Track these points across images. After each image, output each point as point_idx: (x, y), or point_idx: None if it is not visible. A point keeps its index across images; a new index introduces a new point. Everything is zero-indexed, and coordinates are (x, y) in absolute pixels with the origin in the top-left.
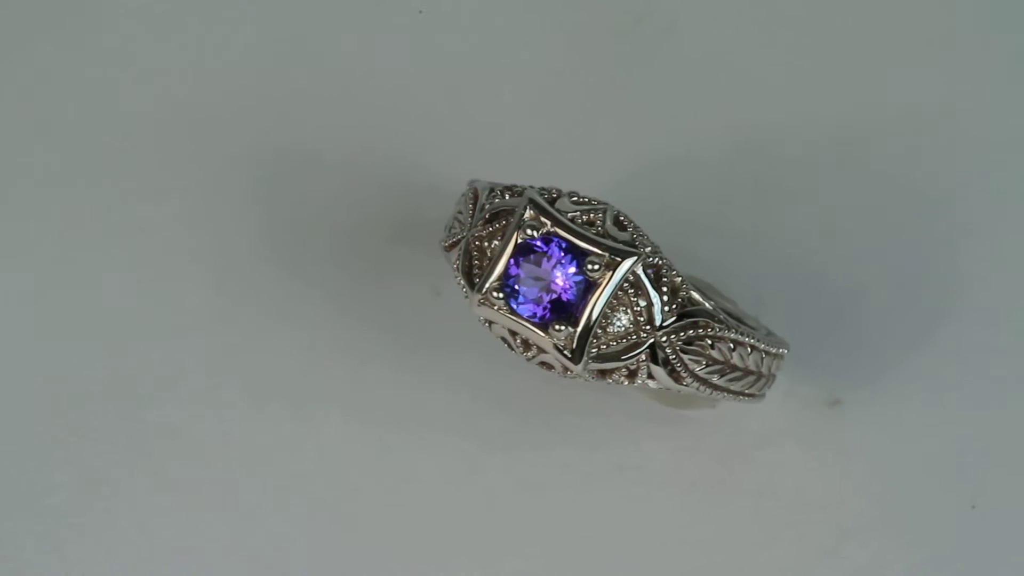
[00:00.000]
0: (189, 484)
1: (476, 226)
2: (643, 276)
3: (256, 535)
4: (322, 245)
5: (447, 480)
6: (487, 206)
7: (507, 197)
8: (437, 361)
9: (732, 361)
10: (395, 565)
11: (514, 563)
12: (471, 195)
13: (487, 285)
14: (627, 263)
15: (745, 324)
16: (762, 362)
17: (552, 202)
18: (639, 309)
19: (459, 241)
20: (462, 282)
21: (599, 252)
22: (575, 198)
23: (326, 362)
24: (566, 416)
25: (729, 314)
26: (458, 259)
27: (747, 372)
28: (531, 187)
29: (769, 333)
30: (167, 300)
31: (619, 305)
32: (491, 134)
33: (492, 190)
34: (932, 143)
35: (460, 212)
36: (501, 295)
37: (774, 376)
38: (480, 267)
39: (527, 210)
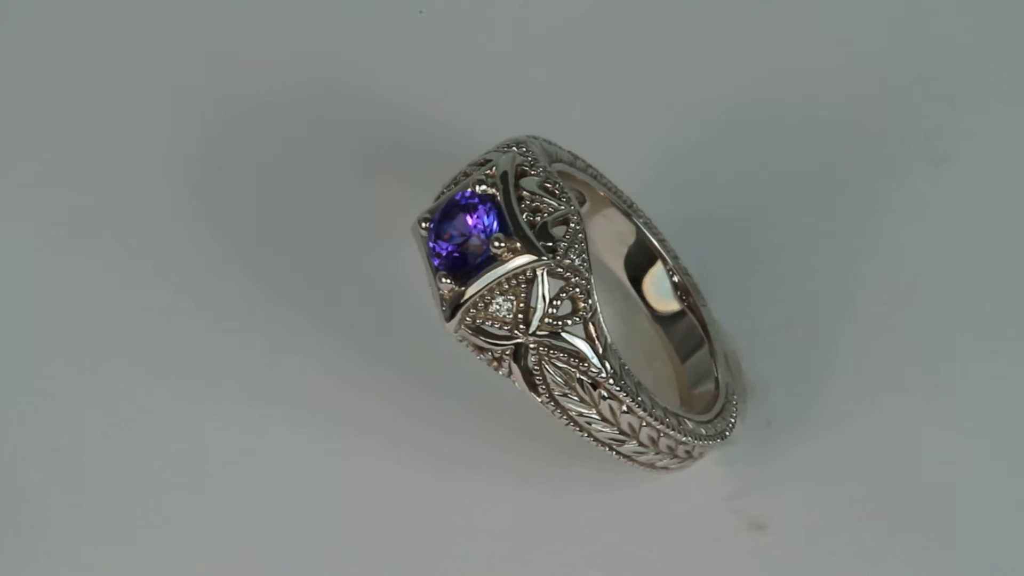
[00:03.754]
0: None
1: (472, 164)
2: (542, 280)
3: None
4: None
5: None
6: (489, 152)
7: (505, 152)
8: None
9: (600, 409)
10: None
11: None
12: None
13: (423, 213)
14: (526, 258)
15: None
16: (639, 430)
17: (521, 175)
18: (523, 306)
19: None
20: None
21: (511, 236)
22: (550, 184)
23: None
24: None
25: (719, 384)
26: (445, 186)
27: (621, 431)
28: (518, 152)
29: (714, 419)
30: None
31: (509, 291)
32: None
33: (512, 144)
34: None
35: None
36: (425, 227)
37: (678, 457)
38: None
39: (491, 168)
